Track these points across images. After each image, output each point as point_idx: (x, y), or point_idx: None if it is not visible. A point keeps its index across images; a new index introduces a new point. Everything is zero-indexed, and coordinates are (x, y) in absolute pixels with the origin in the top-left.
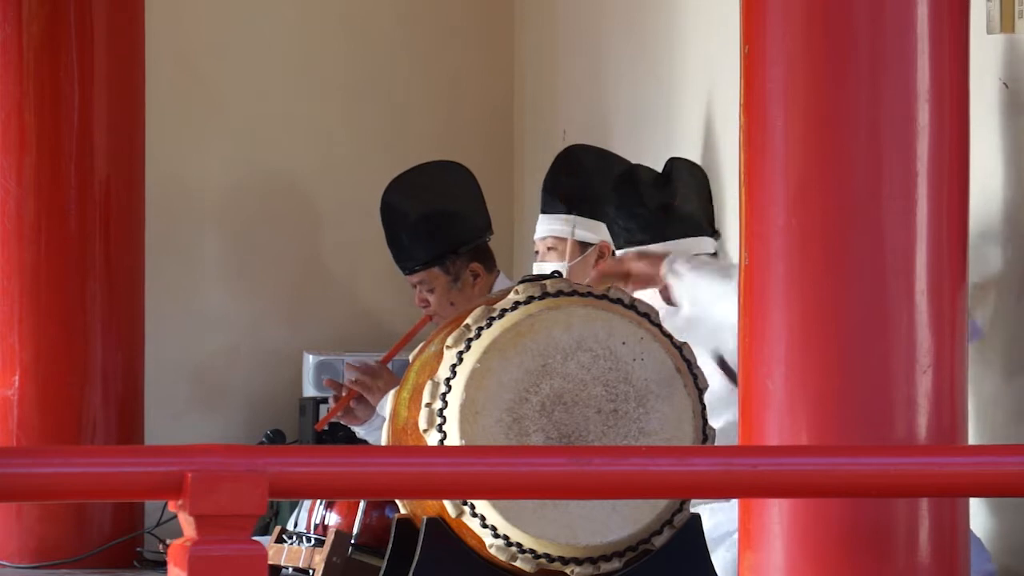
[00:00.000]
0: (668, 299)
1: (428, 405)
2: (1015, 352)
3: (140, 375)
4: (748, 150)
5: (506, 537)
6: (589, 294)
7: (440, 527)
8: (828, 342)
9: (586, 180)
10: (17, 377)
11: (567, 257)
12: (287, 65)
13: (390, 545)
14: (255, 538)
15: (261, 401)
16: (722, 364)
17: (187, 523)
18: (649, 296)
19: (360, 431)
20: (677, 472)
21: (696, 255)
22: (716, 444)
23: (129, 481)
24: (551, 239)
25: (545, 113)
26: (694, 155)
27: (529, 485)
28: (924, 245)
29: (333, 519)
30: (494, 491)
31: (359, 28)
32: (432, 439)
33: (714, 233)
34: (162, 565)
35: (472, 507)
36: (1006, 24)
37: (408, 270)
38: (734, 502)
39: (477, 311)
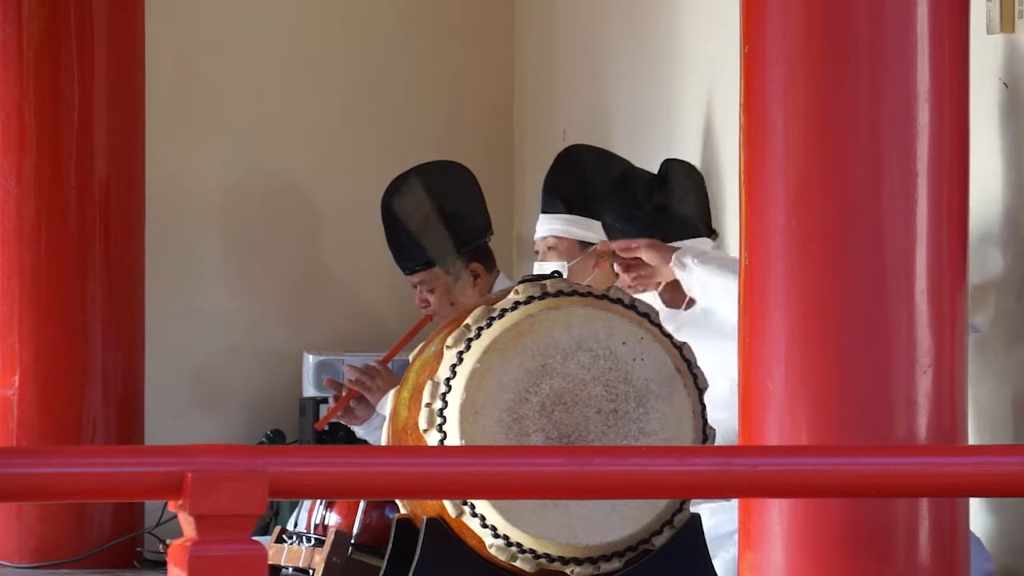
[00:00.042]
0: (668, 301)
1: (428, 405)
2: (1015, 352)
3: (140, 375)
4: (748, 150)
5: (506, 537)
6: (589, 294)
7: (440, 527)
8: (828, 342)
9: (586, 180)
10: (17, 377)
11: (567, 256)
12: (287, 65)
13: (390, 545)
14: (255, 538)
15: (261, 401)
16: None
17: (187, 523)
18: (649, 297)
19: (360, 431)
20: (677, 472)
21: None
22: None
23: (129, 481)
24: (551, 238)
25: (545, 113)
26: (694, 155)
27: (529, 485)
28: (924, 245)
29: (333, 519)
30: (494, 491)
31: (359, 28)
32: (432, 439)
33: (712, 234)
34: (162, 565)
35: (472, 507)
36: (1006, 24)
37: (408, 270)
38: (734, 502)
39: (477, 311)
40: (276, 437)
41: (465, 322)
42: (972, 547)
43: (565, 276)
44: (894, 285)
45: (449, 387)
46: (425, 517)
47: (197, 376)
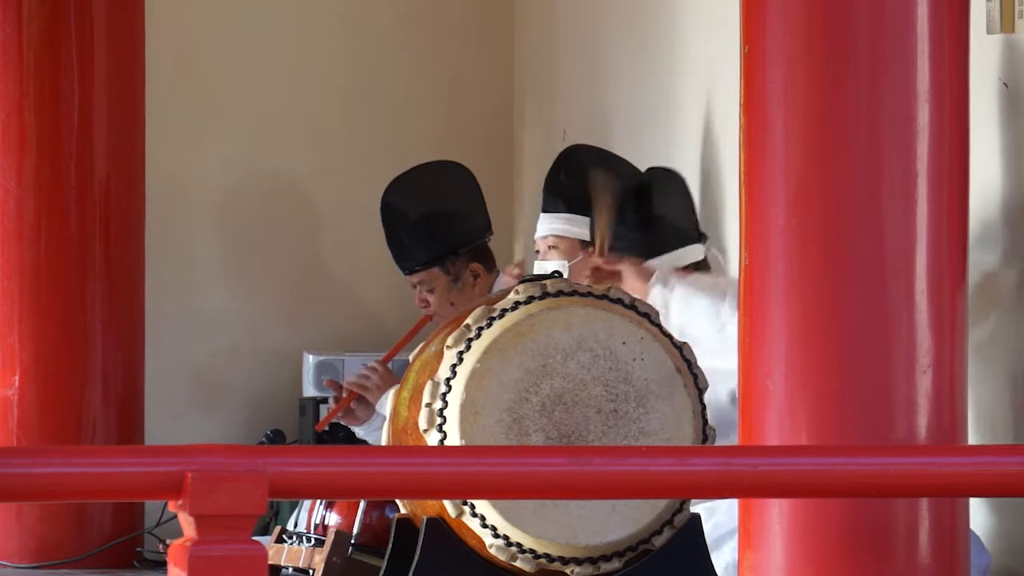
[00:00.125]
0: None
1: (428, 405)
2: (1015, 352)
3: (140, 375)
4: (748, 150)
5: (506, 537)
6: (589, 294)
7: (440, 527)
8: (828, 342)
9: (586, 180)
10: (17, 377)
11: (568, 256)
12: (287, 65)
13: (390, 545)
14: (255, 538)
15: (261, 401)
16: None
17: (187, 523)
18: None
19: (360, 431)
20: (677, 472)
21: (686, 267)
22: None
23: (129, 481)
24: (552, 238)
25: (545, 113)
26: (694, 155)
27: (529, 485)
28: (924, 245)
29: (333, 519)
30: (494, 491)
31: (359, 28)
32: (432, 439)
33: (701, 237)
34: (162, 565)
35: (472, 507)
36: (1006, 24)
37: (408, 270)
38: (729, 502)
39: (477, 311)
40: (276, 437)
41: (465, 322)
42: (970, 543)
43: (566, 275)
44: (894, 285)
45: (449, 387)
46: (425, 517)
47: (197, 376)
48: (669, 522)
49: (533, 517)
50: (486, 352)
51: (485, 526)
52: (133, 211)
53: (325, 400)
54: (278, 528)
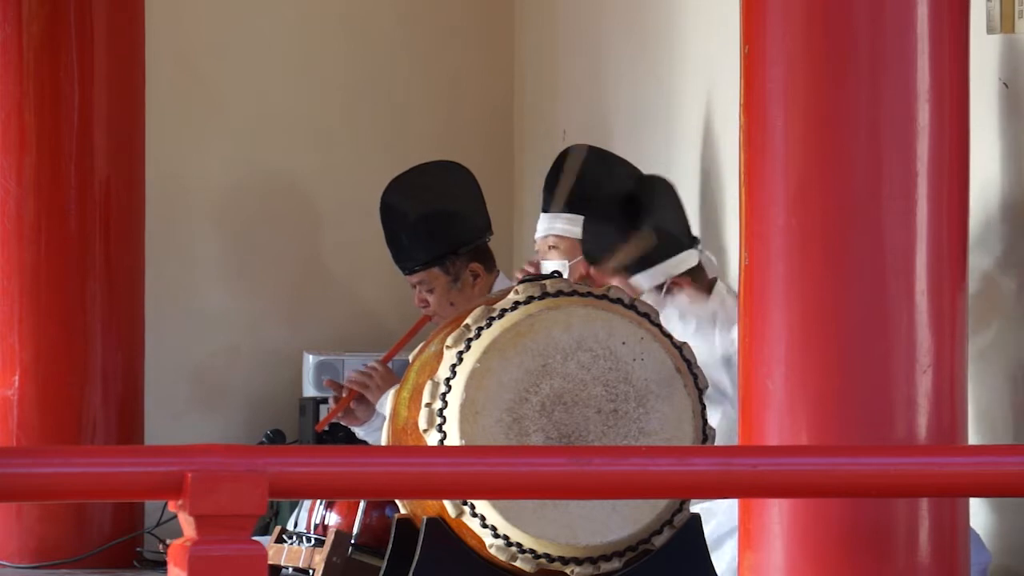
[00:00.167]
0: None
1: (428, 405)
2: (1015, 352)
3: (140, 375)
4: (748, 150)
5: (506, 537)
6: (589, 294)
7: (440, 527)
8: (828, 342)
9: (586, 180)
10: (17, 377)
11: (568, 255)
12: (287, 65)
13: (390, 545)
14: (255, 538)
15: (261, 401)
16: None
17: (187, 523)
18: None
19: (360, 431)
20: (677, 472)
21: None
22: None
23: (129, 481)
24: (552, 237)
25: (545, 113)
26: (694, 155)
27: (529, 485)
28: (924, 245)
29: (333, 519)
30: (494, 491)
31: (359, 28)
32: (432, 439)
33: (693, 241)
34: (162, 565)
35: (472, 507)
36: (1006, 24)
37: (408, 270)
38: (726, 503)
39: (477, 311)
40: (276, 437)
41: (465, 322)
42: (971, 541)
43: (566, 275)
44: (894, 285)
45: (449, 387)
46: (425, 517)
47: (197, 376)
48: (669, 522)
49: (533, 517)
50: (486, 352)
51: (485, 526)
52: (133, 211)
53: (325, 400)
54: (278, 528)
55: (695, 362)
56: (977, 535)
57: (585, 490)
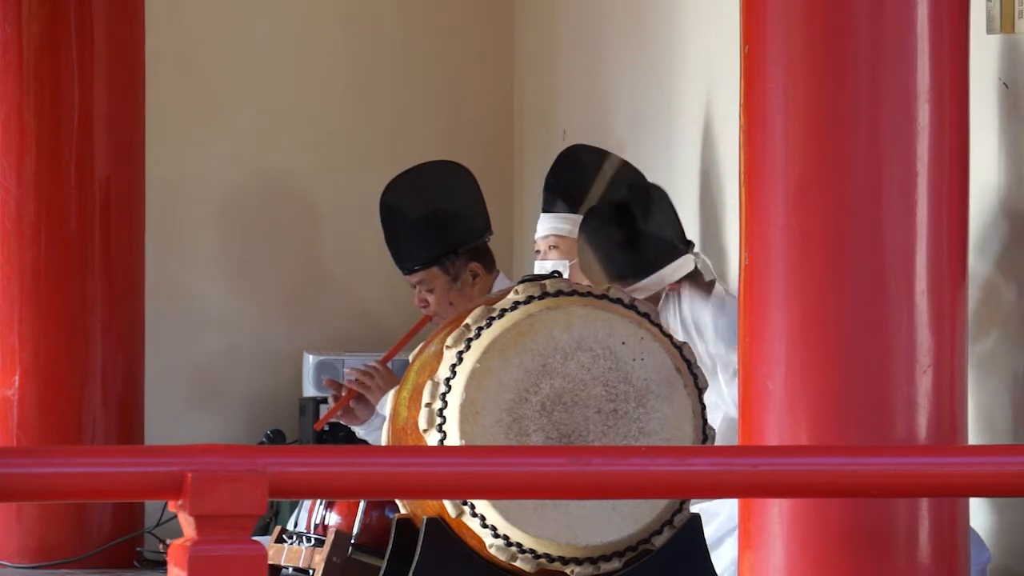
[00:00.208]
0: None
1: (428, 405)
2: (1016, 352)
3: (140, 375)
4: (748, 150)
5: (506, 537)
6: (589, 294)
7: (440, 527)
8: (828, 342)
9: (586, 180)
10: (17, 377)
11: (569, 255)
12: (287, 65)
13: (390, 545)
14: (255, 538)
15: (261, 401)
16: None
17: (187, 523)
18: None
19: (360, 431)
20: (677, 472)
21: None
22: None
23: (129, 481)
24: (553, 237)
25: (545, 113)
26: (694, 155)
27: (529, 485)
28: (924, 245)
29: (333, 519)
30: (494, 491)
31: (359, 28)
32: (432, 439)
33: (688, 246)
34: (162, 565)
35: (472, 507)
36: (1006, 24)
37: (407, 270)
38: (724, 505)
39: (477, 311)
40: (276, 437)
41: (465, 322)
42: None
43: (566, 275)
44: (894, 285)
45: (449, 387)
46: (425, 517)
47: (197, 376)
48: (669, 522)
49: (533, 517)
50: (486, 352)
51: (485, 526)
52: (133, 211)
53: (325, 400)
54: (278, 528)
55: (695, 362)
56: (977, 534)
57: (585, 490)
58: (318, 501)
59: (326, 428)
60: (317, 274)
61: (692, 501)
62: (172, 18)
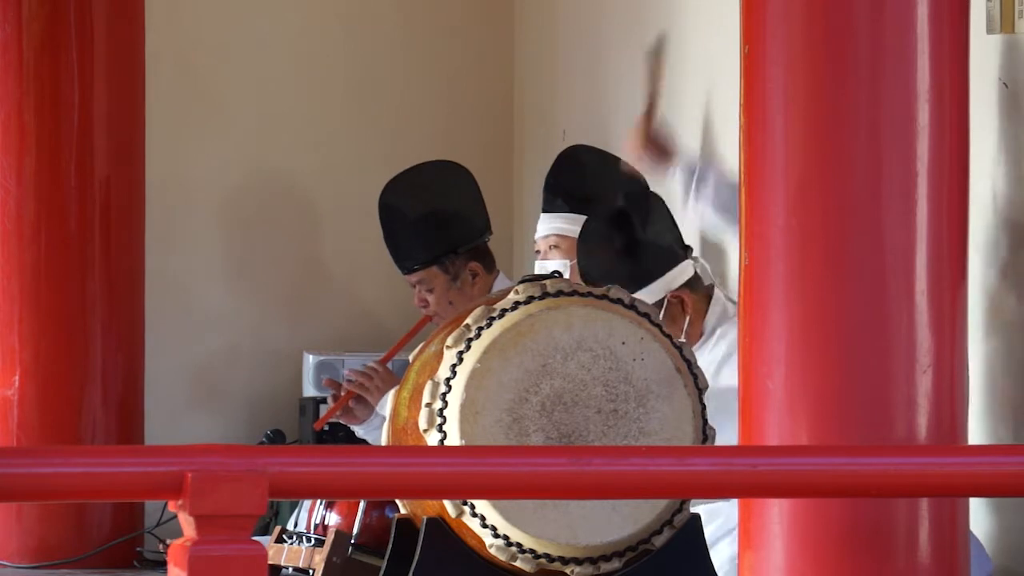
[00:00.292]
0: None
1: (428, 405)
2: (1016, 352)
3: (140, 375)
4: (748, 150)
5: (506, 537)
6: (589, 294)
7: (440, 527)
8: (828, 342)
9: (586, 180)
10: (17, 377)
11: (569, 255)
12: (287, 65)
13: (390, 545)
14: (255, 538)
15: (261, 401)
16: None
17: (187, 523)
18: None
19: (360, 431)
20: (677, 472)
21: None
22: None
23: (129, 481)
24: (553, 237)
25: (545, 113)
26: (694, 155)
27: (529, 485)
28: (924, 245)
29: (333, 519)
30: (494, 491)
31: (359, 28)
32: (432, 439)
33: (687, 251)
34: (162, 565)
35: (472, 507)
36: (1006, 24)
37: (407, 270)
38: (722, 505)
39: (477, 311)
40: (276, 437)
41: (465, 322)
42: (972, 549)
43: (567, 275)
44: (894, 285)
45: (449, 387)
46: (425, 517)
47: (197, 376)
48: (669, 522)
49: (533, 517)
50: (486, 352)
51: (485, 526)
52: (133, 211)
53: (325, 400)
54: (278, 528)
55: (695, 362)
56: (980, 543)
57: (585, 490)
58: (318, 501)
59: (326, 428)
60: (317, 274)
61: (693, 501)
62: (172, 18)
